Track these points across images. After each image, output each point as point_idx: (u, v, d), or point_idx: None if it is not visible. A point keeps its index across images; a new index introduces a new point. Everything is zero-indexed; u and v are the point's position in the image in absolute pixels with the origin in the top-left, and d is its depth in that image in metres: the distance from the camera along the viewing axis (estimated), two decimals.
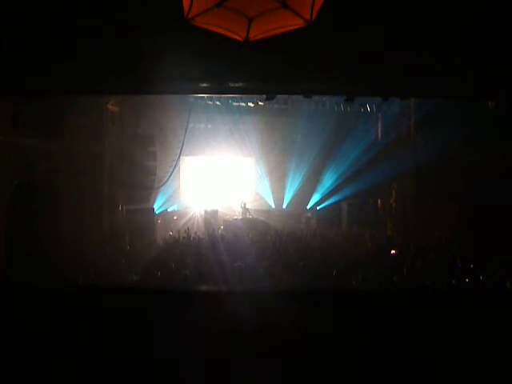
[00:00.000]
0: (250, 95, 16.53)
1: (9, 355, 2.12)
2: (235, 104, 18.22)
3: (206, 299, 2.33)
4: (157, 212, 18.16)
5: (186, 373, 2.08)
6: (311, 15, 2.98)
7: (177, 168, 19.31)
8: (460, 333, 2.18)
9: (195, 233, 14.79)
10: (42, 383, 2.10)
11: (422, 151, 16.13)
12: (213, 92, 10.57)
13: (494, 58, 6.17)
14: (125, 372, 2.11)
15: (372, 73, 6.61)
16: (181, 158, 19.36)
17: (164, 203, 18.92)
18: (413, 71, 6.57)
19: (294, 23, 3.13)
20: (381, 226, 17.61)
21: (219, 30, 3.23)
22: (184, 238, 14.13)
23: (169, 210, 19.39)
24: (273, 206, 20.84)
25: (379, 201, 19.63)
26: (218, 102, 18.15)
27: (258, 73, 6.53)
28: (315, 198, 20.47)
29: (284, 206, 20.87)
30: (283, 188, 20.78)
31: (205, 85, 7.21)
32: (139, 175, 16.88)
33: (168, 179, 18.67)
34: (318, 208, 20.44)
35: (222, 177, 20.70)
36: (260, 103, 17.88)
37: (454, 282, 8.50)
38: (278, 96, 15.49)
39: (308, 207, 20.67)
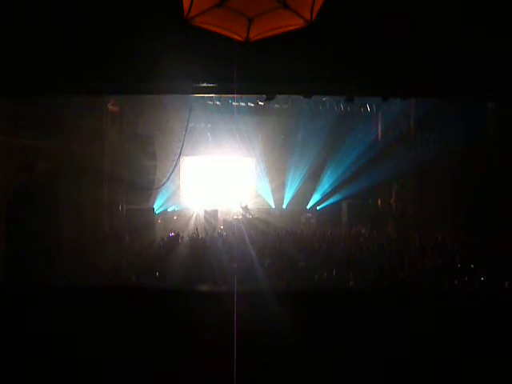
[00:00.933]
0: (249, 95, 16.52)
1: (9, 354, 2.12)
2: (235, 104, 18.22)
3: (206, 299, 2.34)
4: (157, 212, 18.16)
5: (185, 371, 2.08)
6: (311, 15, 2.98)
7: (177, 168, 19.30)
8: (460, 332, 2.19)
9: (195, 231, 14.79)
10: (41, 382, 2.10)
11: (422, 151, 16.12)
12: (213, 92, 10.56)
13: (494, 58, 6.17)
14: (125, 371, 2.11)
15: (372, 73, 6.61)
16: (181, 157, 19.36)
17: (164, 203, 18.92)
18: (413, 71, 6.57)
19: (294, 23, 3.12)
20: (381, 226, 17.61)
21: (219, 30, 3.22)
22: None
23: (169, 209, 19.39)
24: (273, 206, 20.84)
25: (379, 201, 19.63)
26: (218, 102, 18.14)
27: (258, 73, 6.53)
28: (315, 197, 20.47)
29: (284, 206, 20.87)
30: (283, 188, 20.77)
31: (205, 85, 7.21)
32: (139, 175, 16.87)
33: (168, 179, 18.67)
34: (318, 208, 20.44)
35: (221, 177, 20.69)
36: (260, 103, 17.88)
37: (454, 282, 8.50)
38: (278, 96, 15.48)
39: (308, 207, 20.67)
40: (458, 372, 2.10)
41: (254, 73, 6.53)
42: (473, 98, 10.10)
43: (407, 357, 2.11)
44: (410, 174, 16.95)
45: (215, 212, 18.43)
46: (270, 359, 2.08)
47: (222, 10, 2.96)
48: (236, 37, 3.25)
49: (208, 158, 20.89)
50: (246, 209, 18.20)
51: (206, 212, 18.29)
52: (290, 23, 3.16)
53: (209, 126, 20.50)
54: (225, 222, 17.91)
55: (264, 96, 11.66)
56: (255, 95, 16.19)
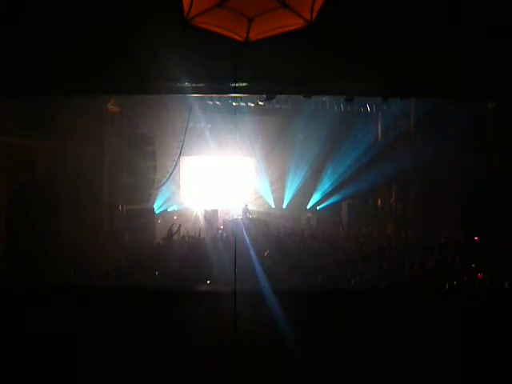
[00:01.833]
0: (250, 95, 16.52)
1: (8, 354, 2.12)
2: (235, 104, 18.22)
3: (206, 299, 2.33)
4: (157, 212, 18.15)
5: (185, 371, 2.08)
6: (311, 15, 2.98)
7: (177, 168, 19.30)
8: (460, 332, 2.19)
9: (195, 232, 14.80)
10: (41, 382, 2.10)
11: (422, 151, 16.12)
12: (213, 92, 10.56)
13: (494, 58, 6.17)
14: (125, 371, 2.11)
15: (372, 73, 6.61)
16: (181, 157, 19.35)
17: (164, 203, 18.91)
18: (413, 71, 6.57)
19: (294, 23, 3.12)
20: (381, 226, 17.61)
21: (219, 30, 3.22)
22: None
23: (169, 210, 19.38)
24: (273, 206, 20.84)
25: (379, 201, 19.63)
26: (217, 102, 18.14)
27: (258, 73, 6.53)
28: (315, 198, 20.47)
29: (284, 206, 20.86)
30: (283, 188, 20.77)
31: (205, 85, 7.21)
32: (139, 175, 16.87)
33: (168, 179, 18.66)
34: (318, 208, 20.44)
35: (221, 177, 20.69)
36: (260, 103, 17.87)
37: (454, 282, 8.49)
38: (278, 96, 15.48)
39: (308, 207, 20.67)
40: (458, 372, 2.10)
41: (254, 73, 6.53)
42: (473, 97, 10.09)
43: (407, 357, 2.11)
44: (410, 174, 16.94)
45: (215, 212, 18.42)
46: (270, 359, 2.08)
47: (221, 9, 2.96)
48: (236, 37, 3.25)
49: (208, 157, 20.88)
50: (245, 209, 18.19)
51: (206, 212, 18.28)
52: (290, 23, 3.16)
53: (209, 126, 20.48)
54: (225, 222, 17.90)
55: (264, 96, 11.67)
56: (255, 95, 16.20)
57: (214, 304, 2.16)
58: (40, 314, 2.19)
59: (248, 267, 9.31)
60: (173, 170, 18.87)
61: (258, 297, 2.17)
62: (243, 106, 18.32)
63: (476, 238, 12.46)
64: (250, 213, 18.28)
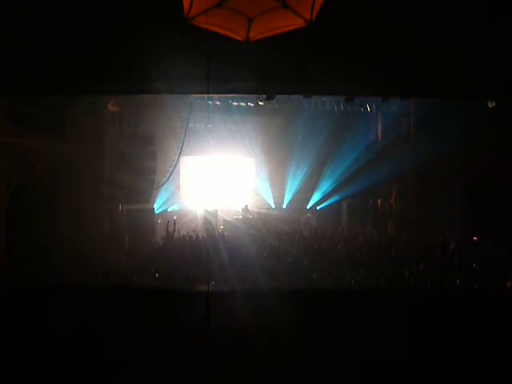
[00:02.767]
0: (250, 95, 16.52)
1: (9, 354, 2.12)
2: (235, 104, 18.22)
3: (206, 299, 2.33)
4: (157, 212, 18.15)
5: (185, 371, 2.08)
6: (311, 15, 2.98)
7: (177, 168, 19.29)
8: (460, 332, 2.19)
9: (193, 231, 14.80)
10: (41, 382, 2.10)
11: (422, 151, 16.12)
12: (213, 92, 10.55)
13: (495, 57, 6.17)
14: (125, 371, 2.11)
15: (372, 73, 6.61)
16: (181, 157, 19.35)
17: (164, 203, 18.91)
18: (413, 71, 6.56)
19: (294, 23, 3.12)
20: (381, 226, 17.61)
21: (219, 30, 3.22)
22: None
23: (169, 209, 19.38)
24: (273, 206, 20.84)
25: (379, 201, 19.63)
26: (217, 102, 18.14)
27: (258, 73, 6.52)
28: (315, 197, 20.47)
29: (284, 206, 20.86)
30: (283, 188, 20.77)
31: (205, 85, 7.20)
32: (139, 175, 16.86)
33: (168, 179, 18.66)
34: (318, 208, 20.44)
35: (222, 177, 20.68)
36: (260, 103, 17.87)
37: (455, 282, 8.49)
38: (278, 96, 15.48)
39: (308, 207, 20.66)
40: (459, 372, 2.10)
41: (254, 73, 6.53)
42: (473, 98, 10.09)
43: (407, 357, 2.11)
44: (410, 174, 16.94)
45: (215, 212, 18.42)
46: (270, 359, 2.08)
47: (221, 9, 2.96)
48: (236, 37, 3.25)
49: (208, 158, 20.87)
50: (245, 209, 18.19)
51: (206, 212, 18.28)
52: (290, 23, 3.16)
53: (209, 126, 20.48)
54: (225, 222, 17.90)
55: (264, 96, 11.67)
56: (255, 95, 16.20)
57: (213, 304, 2.16)
58: (40, 314, 2.19)
59: (248, 267, 9.31)
60: (173, 170, 18.87)
61: (258, 297, 2.17)
62: (243, 106, 18.32)
63: (475, 238, 12.46)
64: (249, 213, 18.28)
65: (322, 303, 2.21)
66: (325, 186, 20.04)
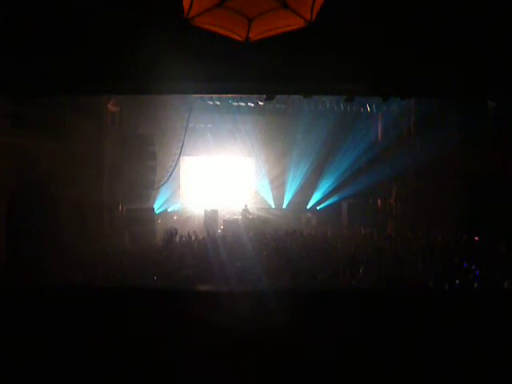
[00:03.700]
0: (250, 95, 16.53)
1: (8, 355, 2.12)
2: (235, 104, 18.23)
3: (206, 299, 2.33)
4: (157, 212, 18.16)
5: (186, 373, 2.08)
6: (311, 15, 2.99)
7: (177, 168, 19.31)
8: (460, 332, 2.19)
9: (194, 232, 14.79)
10: (41, 382, 2.10)
11: (422, 151, 16.13)
12: (213, 92, 10.57)
13: (494, 57, 6.17)
14: (125, 371, 2.11)
15: (372, 73, 6.61)
16: (181, 157, 19.36)
17: (164, 203, 18.93)
18: (413, 71, 6.57)
19: (294, 23, 3.13)
20: (381, 226, 17.60)
21: (219, 30, 3.23)
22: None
23: (169, 209, 19.39)
24: (273, 206, 20.85)
25: (379, 200, 19.64)
26: (218, 102, 18.15)
27: (258, 73, 6.52)
28: (315, 197, 20.48)
29: (284, 206, 20.87)
30: (283, 188, 20.79)
31: (205, 85, 7.21)
32: (139, 175, 16.88)
33: (168, 179, 18.68)
34: (318, 208, 20.45)
35: (222, 177, 20.69)
36: (260, 103, 17.88)
37: (455, 282, 8.49)
38: (278, 96, 15.48)
39: (308, 207, 20.67)
40: (459, 372, 2.10)
41: (254, 73, 6.53)
42: (473, 98, 10.10)
43: (407, 357, 2.11)
44: (410, 174, 16.95)
45: (215, 212, 18.44)
46: (270, 359, 2.08)
47: (221, 10, 2.96)
48: (236, 37, 3.25)
49: (208, 158, 20.89)
50: (245, 209, 18.20)
51: (205, 212, 18.29)
52: (290, 23, 3.16)
53: (209, 126, 20.50)
54: (225, 222, 17.91)
55: (264, 96, 11.66)
56: (255, 95, 16.20)
57: (214, 304, 2.16)
58: (39, 315, 2.19)
59: (248, 267, 9.32)
60: (173, 170, 18.89)
61: (258, 297, 2.17)
62: (243, 106, 18.33)
63: (476, 237, 12.46)
64: (249, 213, 18.28)
65: (322, 303, 2.21)
66: (325, 185, 20.05)
